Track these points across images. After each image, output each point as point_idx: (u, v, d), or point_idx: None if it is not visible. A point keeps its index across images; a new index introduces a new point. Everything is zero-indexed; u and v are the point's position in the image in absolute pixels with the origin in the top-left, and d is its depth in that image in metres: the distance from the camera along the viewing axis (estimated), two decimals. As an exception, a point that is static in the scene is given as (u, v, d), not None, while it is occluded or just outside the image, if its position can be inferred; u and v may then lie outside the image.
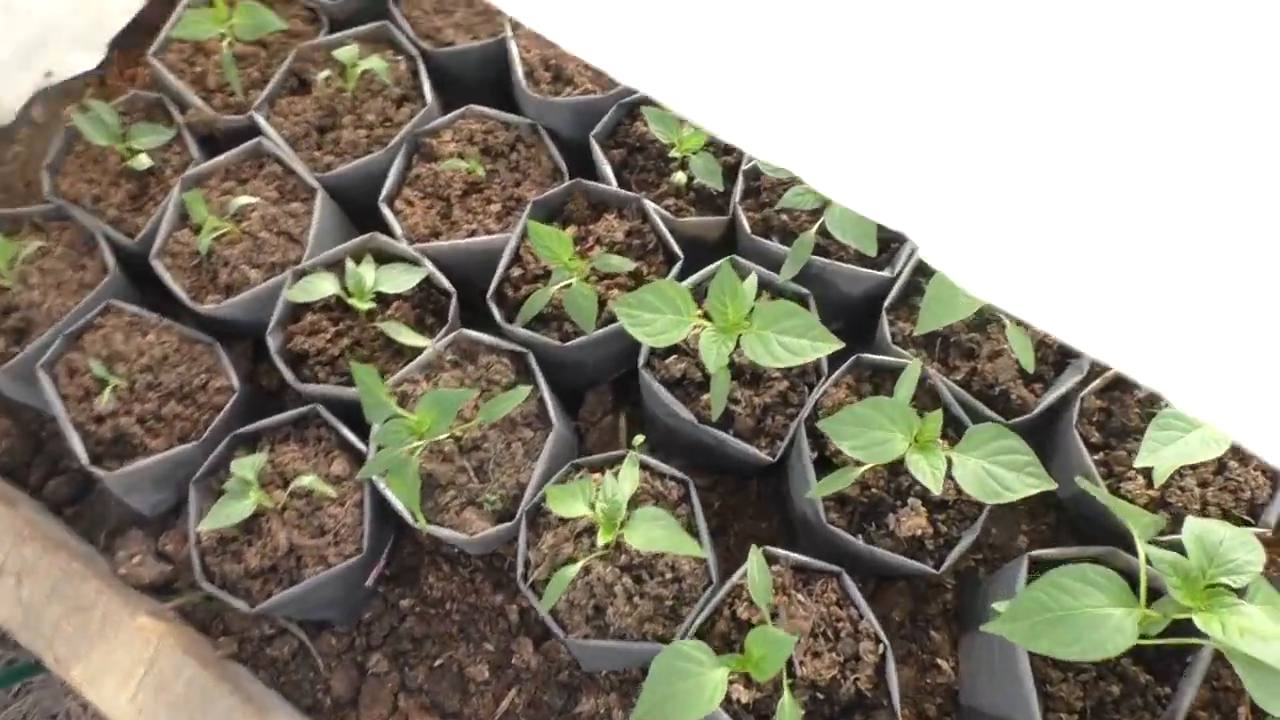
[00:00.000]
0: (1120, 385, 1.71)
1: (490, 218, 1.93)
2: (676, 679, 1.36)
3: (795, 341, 1.51)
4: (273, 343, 1.82)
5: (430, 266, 1.84)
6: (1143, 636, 1.38)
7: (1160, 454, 1.40)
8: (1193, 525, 1.32)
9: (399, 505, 1.67)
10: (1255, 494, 1.60)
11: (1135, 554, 1.47)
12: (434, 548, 1.91)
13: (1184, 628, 1.38)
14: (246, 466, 1.66)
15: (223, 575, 1.68)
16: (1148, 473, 1.61)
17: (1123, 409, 1.67)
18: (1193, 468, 1.62)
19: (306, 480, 1.67)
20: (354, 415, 1.75)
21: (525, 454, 1.72)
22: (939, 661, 1.78)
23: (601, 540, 1.51)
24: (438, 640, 1.84)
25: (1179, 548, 1.31)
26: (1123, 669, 1.51)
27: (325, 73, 2.09)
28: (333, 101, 2.09)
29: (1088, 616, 1.27)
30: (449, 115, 2.03)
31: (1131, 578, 1.31)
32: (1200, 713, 1.72)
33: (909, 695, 1.76)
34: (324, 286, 1.79)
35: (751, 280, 1.65)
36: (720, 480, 1.92)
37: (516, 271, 1.84)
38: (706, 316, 1.59)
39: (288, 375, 1.79)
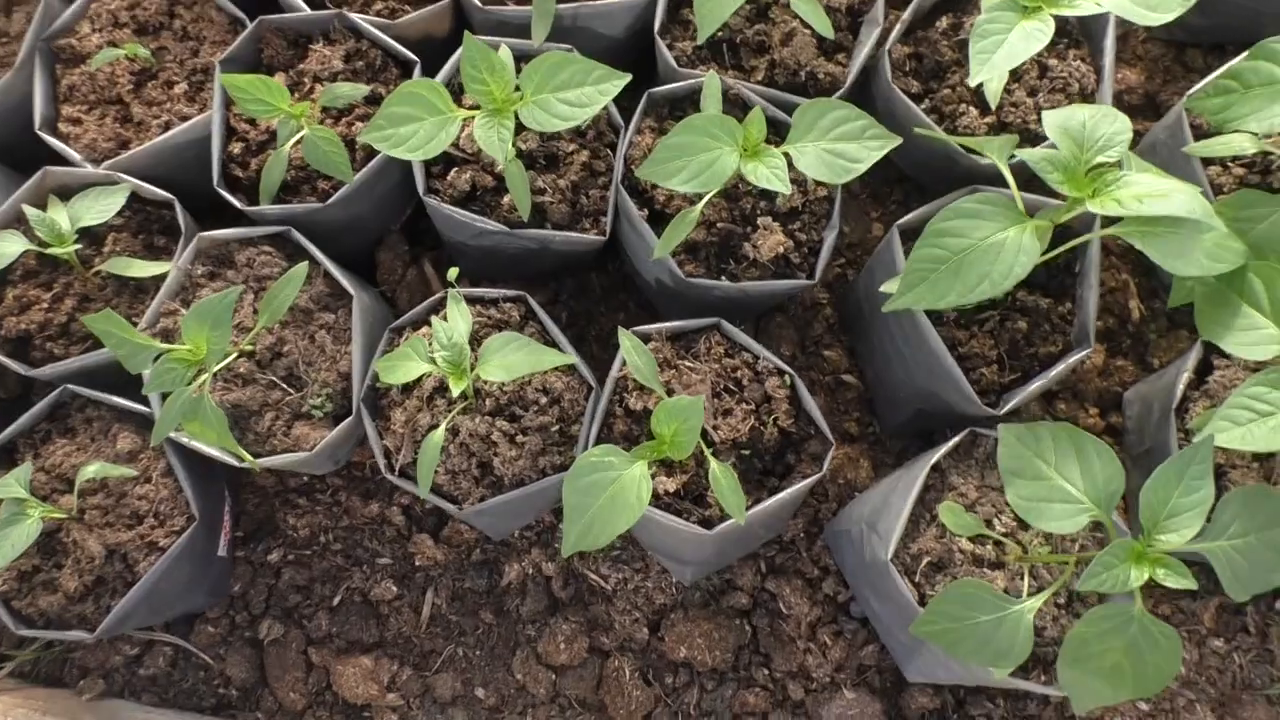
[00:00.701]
0: (920, 25, 1.58)
1: (179, 101, 1.60)
2: (596, 492, 1.19)
3: (578, 93, 1.30)
4: (-19, 338, 1.47)
5: (132, 181, 1.51)
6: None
7: (990, 63, 1.28)
8: (1051, 117, 1.21)
9: (214, 452, 1.40)
10: (1083, 83, 1.52)
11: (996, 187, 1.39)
12: (280, 485, 1.65)
13: (1063, 236, 1.31)
14: (11, 484, 1.35)
15: (42, 613, 1.39)
16: (979, 105, 1.51)
17: (931, 47, 1.55)
18: (1016, 79, 1.52)
19: (92, 470, 1.37)
20: (117, 379, 1.45)
21: (334, 340, 1.46)
22: (843, 378, 1.68)
23: (456, 390, 1.30)
24: (326, 579, 1.61)
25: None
26: (1021, 302, 1.44)
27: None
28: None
29: (986, 248, 1.16)
30: (76, 3, 1.64)
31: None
32: (1096, 323, 1.70)
33: (829, 420, 1.65)
34: (9, 248, 1.44)
35: (505, 52, 1.41)
36: (558, 287, 1.72)
37: (237, 147, 1.53)
38: (472, 109, 1.35)
39: (14, 366, 1.46)
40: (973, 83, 1.28)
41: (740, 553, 1.56)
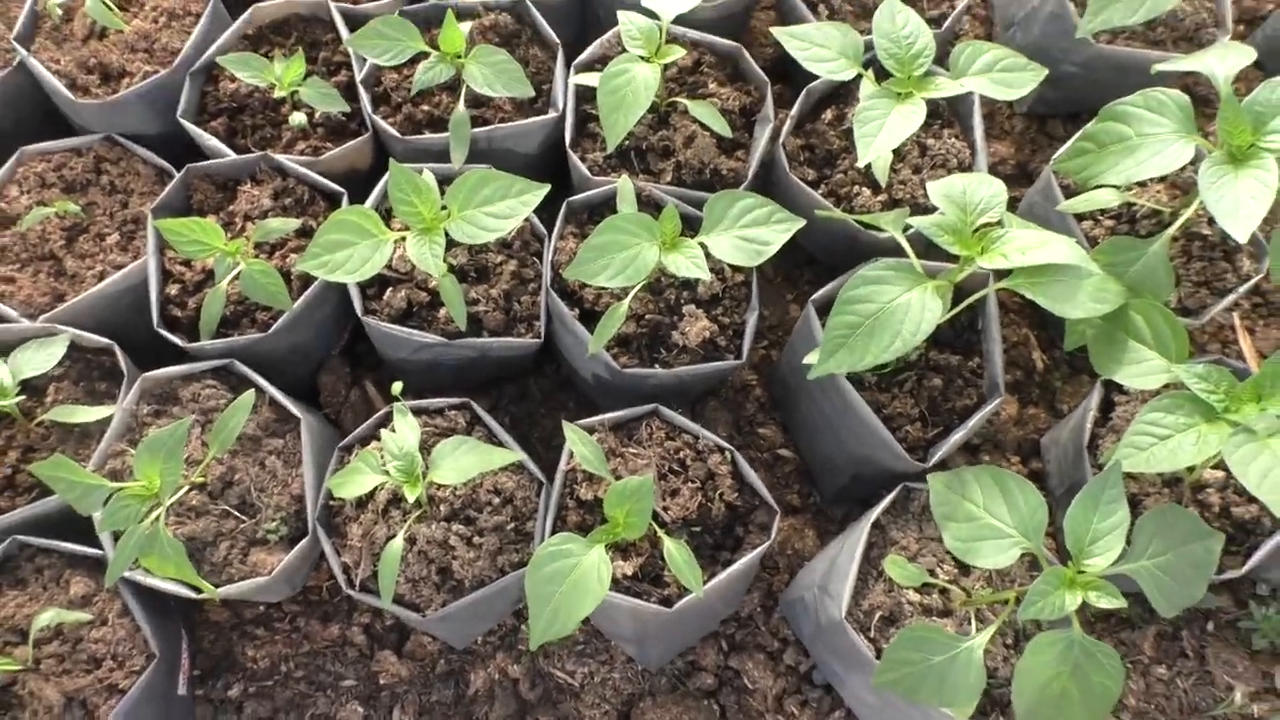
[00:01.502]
0: (808, 118, 1.72)
1: (112, 251, 1.64)
2: (558, 579, 1.23)
3: (502, 205, 1.38)
4: (-76, 500, 1.46)
5: (71, 330, 1.54)
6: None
7: (874, 145, 1.41)
8: (935, 187, 1.34)
9: (171, 586, 1.40)
10: (959, 157, 1.66)
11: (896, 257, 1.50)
12: (236, 618, 1.65)
13: (962, 296, 1.42)
14: (-37, 643, 1.34)
15: (2, 775, 1.36)
16: (871, 185, 1.63)
17: (820, 138, 1.68)
18: (901, 159, 1.66)
19: (46, 617, 1.36)
20: (65, 526, 1.45)
21: (284, 464, 1.49)
22: (780, 452, 1.76)
23: (411, 496, 1.33)
24: (290, 708, 1.60)
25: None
26: (934, 361, 1.54)
27: None
28: None
29: (894, 309, 1.26)
30: (2, 170, 1.69)
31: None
32: (1005, 377, 1.82)
33: (771, 493, 1.72)
34: (-48, 407, 1.45)
35: (428, 176, 1.49)
36: (498, 395, 1.77)
37: (174, 289, 1.58)
38: (402, 231, 1.42)
39: (-38, 525, 1.45)
40: (861, 164, 1.40)
41: (701, 632, 1.60)
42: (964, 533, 1.24)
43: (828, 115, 1.70)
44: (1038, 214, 1.71)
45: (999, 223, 1.32)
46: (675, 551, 1.31)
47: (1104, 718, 1.19)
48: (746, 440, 1.75)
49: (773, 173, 1.68)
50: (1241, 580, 1.68)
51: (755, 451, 1.75)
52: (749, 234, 1.39)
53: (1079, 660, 1.17)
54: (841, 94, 1.73)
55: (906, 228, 1.38)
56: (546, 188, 1.38)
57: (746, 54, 1.70)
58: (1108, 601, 1.18)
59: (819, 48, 1.49)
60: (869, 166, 1.61)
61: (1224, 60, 1.41)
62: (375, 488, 1.41)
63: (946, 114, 1.73)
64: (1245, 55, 1.42)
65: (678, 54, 1.51)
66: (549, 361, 1.75)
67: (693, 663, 1.60)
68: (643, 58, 1.51)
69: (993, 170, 1.94)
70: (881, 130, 1.42)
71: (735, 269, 1.58)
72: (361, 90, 1.67)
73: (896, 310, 1.26)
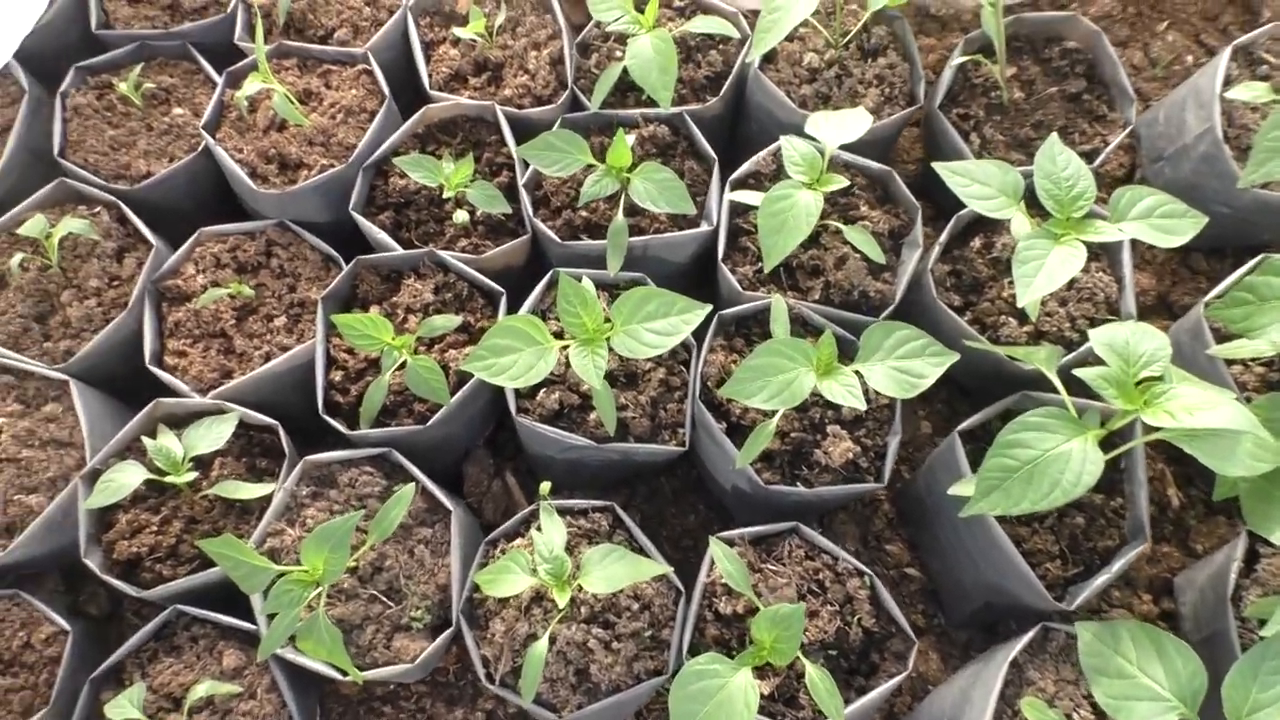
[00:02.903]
0: (956, 244, 1.75)
1: (279, 334, 1.73)
2: (703, 699, 1.26)
3: (664, 323, 1.43)
4: (94, 563, 1.54)
5: (240, 409, 1.62)
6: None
7: (1033, 285, 1.43)
8: (1097, 336, 1.35)
9: (317, 666, 1.46)
10: (1107, 292, 1.67)
11: (1041, 391, 1.51)
12: (364, 693, 1.70)
13: (1109, 440, 1.42)
14: (124, 705, 1.40)
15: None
16: (1017, 315, 1.65)
17: (968, 265, 1.71)
18: (1049, 295, 1.67)
19: (202, 689, 1.42)
20: (220, 597, 1.52)
21: (432, 553, 1.54)
22: (907, 571, 1.76)
23: (561, 601, 1.37)
24: (415, 790, 1.64)
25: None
26: (1077, 500, 1.54)
27: (16, 257, 1.78)
28: (40, 284, 1.80)
29: (1054, 458, 1.27)
30: (181, 249, 1.80)
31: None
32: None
33: (892, 615, 1.73)
34: (128, 478, 1.53)
35: (588, 284, 1.56)
36: (630, 493, 1.81)
37: (337, 375, 1.66)
38: (559, 336, 1.48)
39: (126, 589, 1.53)
40: (1020, 304, 1.42)
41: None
42: (1116, 690, 1.23)
43: (976, 243, 1.73)
44: (1184, 353, 1.71)
45: (1161, 376, 1.33)
46: (817, 679, 1.32)
47: None
48: (873, 556, 1.76)
49: (919, 297, 1.71)
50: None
51: (881, 568, 1.76)
52: (903, 365, 1.42)
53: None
54: (990, 222, 1.75)
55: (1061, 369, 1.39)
56: (708, 308, 1.43)
57: (897, 178, 1.74)
58: (1266, 778, 1.17)
59: (980, 185, 1.52)
60: (1014, 295, 1.63)
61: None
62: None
63: (1095, 248, 1.74)
64: None
65: (840, 183, 1.56)
66: (682, 462, 1.79)
67: (812, 781, 1.60)
68: (804, 184, 1.55)
69: (1140, 304, 1.94)
70: (1041, 271, 1.44)
71: (878, 392, 1.60)
72: (523, 193, 1.74)
73: (1057, 459, 1.27)
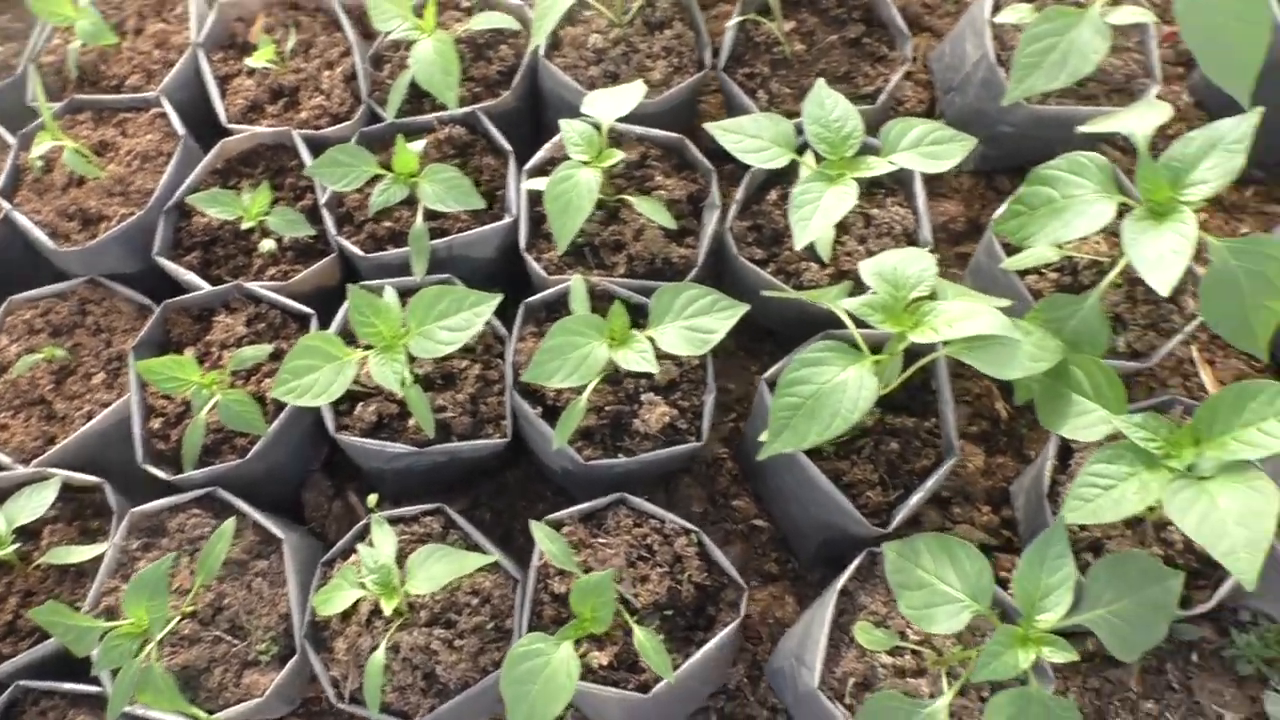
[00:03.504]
0: (754, 200, 1.78)
1: (100, 391, 1.72)
2: (531, 679, 1.28)
3: (457, 319, 1.45)
4: (-68, 648, 1.52)
5: (61, 473, 1.60)
6: (886, 388, 1.46)
7: (809, 228, 1.47)
8: (866, 266, 1.39)
9: (172, 719, 1.45)
10: (904, 224, 1.72)
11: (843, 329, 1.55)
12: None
13: (913, 359, 1.46)
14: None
15: None
16: (818, 260, 1.68)
17: (766, 218, 1.74)
18: (846, 231, 1.71)
19: (53, 757, 1.41)
20: (68, 666, 1.51)
21: (270, 584, 1.55)
22: (755, 523, 1.80)
23: (389, 609, 1.39)
24: (299, 819, 1.64)
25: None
26: (890, 425, 1.58)
27: None
28: None
29: (831, 390, 1.31)
30: (-12, 319, 1.78)
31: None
32: (971, 428, 1.86)
33: (750, 565, 1.76)
34: (-47, 557, 1.52)
35: (389, 295, 1.57)
36: (477, 491, 1.82)
37: (157, 423, 1.65)
38: (366, 348, 1.49)
39: (-33, 670, 1.51)
40: (797, 247, 1.46)
41: (689, 708, 1.63)
42: (918, 600, 1.27)
43: (773, 195, 1.77)
44: (985, 272, 1.76)
45: (931, 295, 1.37)
46: (644, 640, 1.35)
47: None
48: (721, 514, 1.80)
49: (724, 256, 1.74)
50: (1222, 609, 1.70)
51: (731, 524, 1.79)
52: (695, 324, 1.45)
53: (1039, 716, 1.20)
54: (784, 174, 1.78)
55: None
56: (498, 298, 1.45)
57: (689, 144, 1.77)
58: (1060, 656, 1.21)
59: (752, 139, 1.55)
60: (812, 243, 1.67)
61: (1142, 119, 1.46)
62: (358, 600, 1.46)
63: (889, 183, 1.79)
64: (1162, 112, 1.47)
65: (617, 157, 1.58)
66: (525, 454, 1.80)
67: (686, 741, 1.63)
68: (585, 162, 1.58)
69: (944, 228, 2.00)
70: (816, 213, 1.48)
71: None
72: (325, 213, 1.75)
73: (835, 390, 1.31)
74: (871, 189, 1.77)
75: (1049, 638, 1.23)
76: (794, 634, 1.57)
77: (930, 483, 1.51)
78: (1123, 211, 1.38)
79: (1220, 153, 1.36)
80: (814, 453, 1.55)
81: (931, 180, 2.04)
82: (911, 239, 1.72)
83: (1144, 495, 1.27)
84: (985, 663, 1.19)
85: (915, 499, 1.49)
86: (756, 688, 1.67)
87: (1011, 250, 1.68)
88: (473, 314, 1.45)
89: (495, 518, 1.80)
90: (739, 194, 1.74)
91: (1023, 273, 1.69)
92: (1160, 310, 1.65)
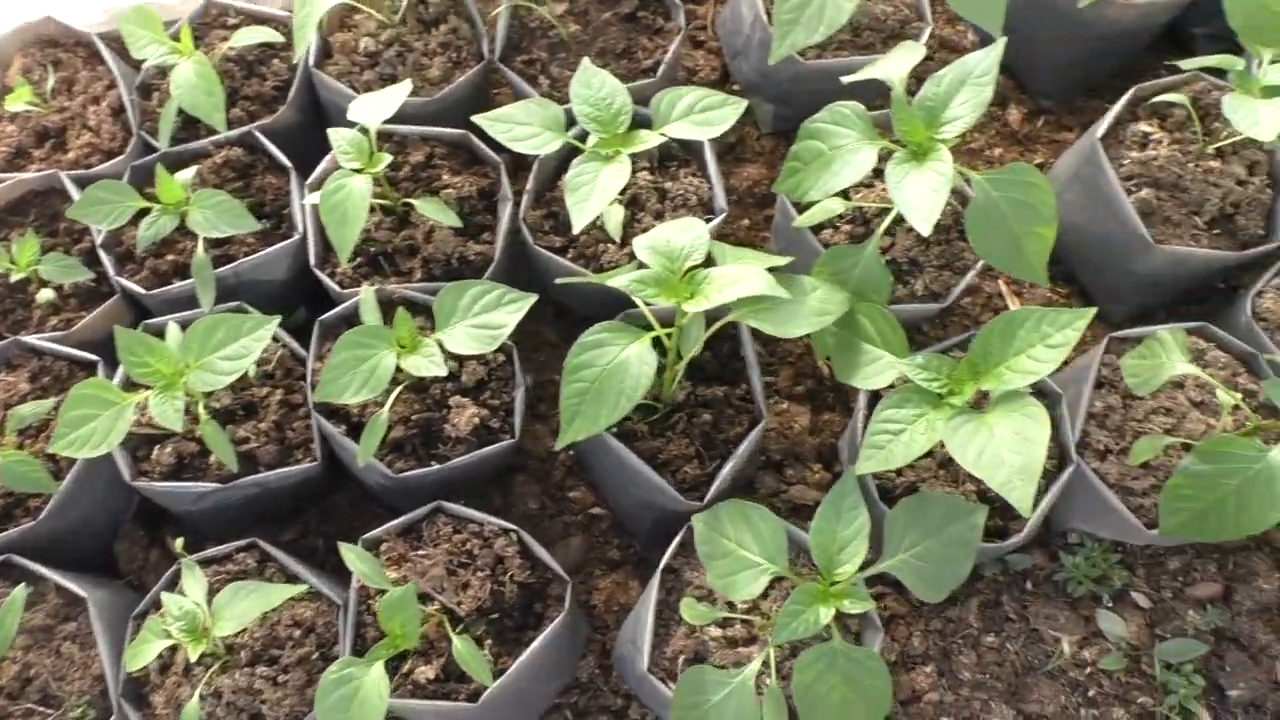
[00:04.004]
0: (546, 188, 1.75)
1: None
2: (343, 708, 1.25)
3: (235, 347, 1.39)
4: None
5: None
6: (683, 361, 1.46)
7: (586, 209, 1.45)
8: (639, 242, 1.38)
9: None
10: (699, 194, 1.71)
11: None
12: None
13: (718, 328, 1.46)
14: None
15: None
16: (614, 240, 1.67)
17: (561, 205, 1.71)
18: (640, 206, 1.70)
19: None
20: None
21: (81, 647, 1.48)
22: (593, 512, 1.78)
23: (194, 655, 1.34)
24: None
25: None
26: (702, 397, 1.58)
27: None
28: None
29: (614, 370, 1.30)
30: None
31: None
32: (797, 389, 1.87)
33: (592, 555, 1.75)
34: None
35: (172, 329, 1.51)
36: (306, 519, 1.77)
37: (-57, 493, 1.57)
38: (149, 389, 1.43)
39: None
40: (576, 229, 1.44)
41: (537, 709, 1.60)
42: (721, 569, 1.28)
43: (564, 181, 1.74)
44: (784, 233, 1.77)
45: (705, 263, 1.36)
46: (462, 648, 1.32)
47: (884, 712, 1.23)
48: (559, 507, 1.78)
49: (523, 248, 1.71)
50: (1049, 534, 1.74)
51: (570, 516, 1.77)
52: (483, 320, 1.42)
53: (846, 669, 1.20)
54: (575, 157, 1.77)
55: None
56: (275, 321, 1.40)
57: (473, 138, 1.73)
58: (859, 606, 1.22)
59: (522, 126, 1.53)
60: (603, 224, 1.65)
61: (896, 63, 1.48)
62: (175, 650, 1.41)
63: (682, 154, 1.78)
64: (916, 54, 1.49)
65: (387, 160, 1.54)
66: (349, 475, 1.76)
67: (540, 741, 1.62)
68: (357, 169, 1.54)
69: (749, 192, 2.01)
70: (593, 194, 1.46)
71: (497, 350, 1.61)
72: (102, 254, 1.68)
73: (617, 370, 1.30)
74: (664, 163, 1.76)
75: (850, 590, 1.24)
76: (630, 619, 1.56)
77: (742, 449, 1.51)
78: (888, 157, 1.39)
79: (970, 87, 1.38)
80: (629, 434, 1.54)
81: (733, 147, 2.06)
82: (708, 208, 1.72)
83: (931, 435, 1.29)
84: (785, 623, 1.20)
85: (728, 468, 1.49)
86: (609, 677, 1.66)
87: (802, 208, 1.69)
88: (252, 340, 1.40)
89: (327, 544, 1.75)
90: (529, 183, 1.71)
91: (817, 229, 1.70)
92: (953, 249, 1.67)
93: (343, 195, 1.51)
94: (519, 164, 1.79)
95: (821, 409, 1.84)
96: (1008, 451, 1.20)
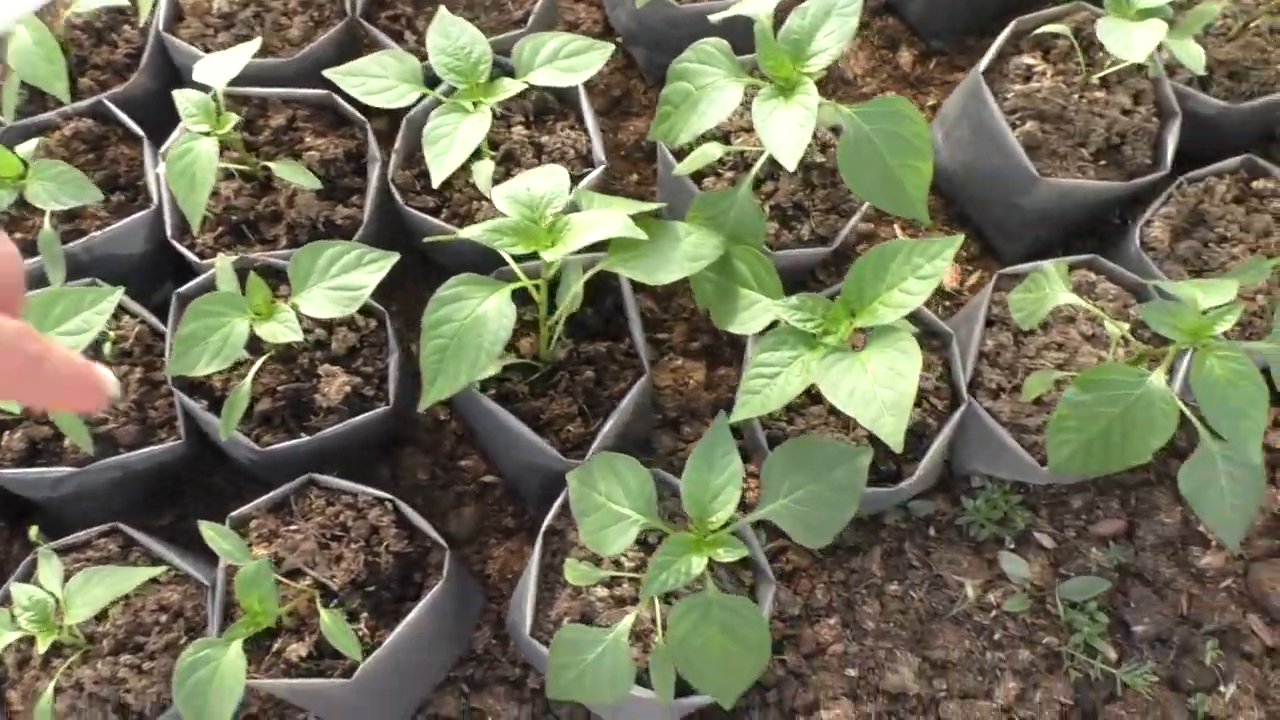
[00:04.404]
0: (418, 147, 1.68)
1: None
2: (201, 692, 1.19)
3: (76, 321, 1.30)
4: None
5: None
6: (557, 316, 1.40)
7: (445, 163, 1.39)
8: (498, 192, 1.32)
9: None
10: (576, 146, 1.65)
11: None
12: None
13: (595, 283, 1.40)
14: None
15: None
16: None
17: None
18: (515, 162, 1.64)
19: None
20: None
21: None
22: (485, 480, 1.72)
23: (43, 645, 1.27)
24: None
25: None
26: (585, 353, 1.52)
27: None
28: None
29: (472, 325, 1.24)
30: None
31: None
32: (692, 344, 1.82)
33: (486, 523, 1.69)
34: None
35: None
36: (183, 503, 1.70)
37: None
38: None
39: None
40: (435, 183, 1.38)
41: (426, 684, 1.55)
42: (593, 524, 1.23)
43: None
44: (667, 185, 1.72)
45: (569, 210, 1.31)
46: (330, 623, 1.26)
47: (765, 661, 1.19)
48: (451, 477, 1.72)
49: (394, 208, 1.65)
50: (953, 480, 1.72)
51: (462, 485, 1.71)
52: (341, 282, 1.35)
53: (723, 619, 1.16)
54: (446, 113, 1.70)
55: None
56: (118, 292, 1.32)
57: (338, 98, 1.66)
58: (733, 554, 1.18)
59: (376, 79, 1.46)
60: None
61: (753, 1, 1.43)
62: (33, 642, 1.33)
63: (558, 108, 1.72)
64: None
65: (234, 120, 1.46)
66: (227, 455, 1.68)
67: (435, 716, 1.56)
68: (205, 133, 1.46)
69: (636, 147, 1.95)
70: (453, 146, 1.40)
71: (367, 315, 1.55)
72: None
73: (475, 324, 1.24)
74: (540, 116, 1.70)
75: (723, 538, 1.20)
76: (519, 585, 1.51)
77: (624, 404, 1.46)
78: (754, 94, 1.34)
79: (835, 18, 1.34)
80: (508, 395, 1.49)
81: (619, 100, 2.00)
82: (587, 161, 1.66)
83: (806, 377, 1.24)
84: (655, 574, 1.15)
85: (609, 424, 1.44)
86: (506, 647, 1.61)
87: (682, 157, 1.64)
88: (94, 313, 1.31)
89: (184, 526, 1.68)
90: (397, 142, 1.64)
91: (699, 178, 1.65)
92: (838, 192, 1.63)
93: (190, 159, 1.43)
94: (395, 126, 1.71)
95: (717, 364, 1.80)
96: (879, 387, 1.16)
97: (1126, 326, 1.48)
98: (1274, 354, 1.26)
